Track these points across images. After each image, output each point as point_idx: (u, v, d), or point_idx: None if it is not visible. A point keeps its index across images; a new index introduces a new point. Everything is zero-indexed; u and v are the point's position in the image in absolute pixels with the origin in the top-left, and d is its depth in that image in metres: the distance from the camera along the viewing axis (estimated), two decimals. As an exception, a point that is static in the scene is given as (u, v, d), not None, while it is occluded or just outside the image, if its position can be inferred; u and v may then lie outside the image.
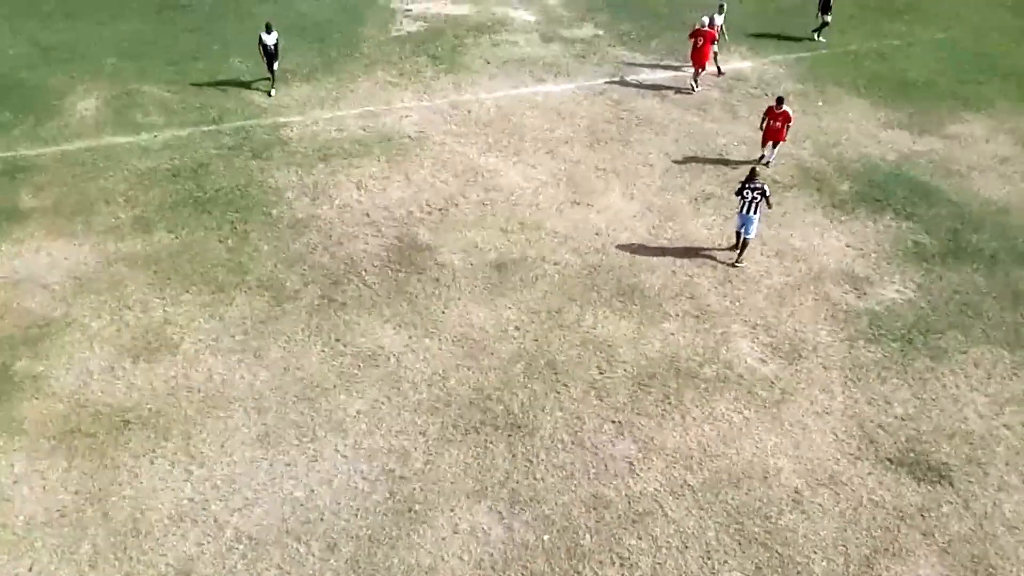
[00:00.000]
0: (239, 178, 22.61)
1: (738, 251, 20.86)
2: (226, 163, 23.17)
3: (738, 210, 20.51)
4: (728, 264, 20.71)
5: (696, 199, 22.98)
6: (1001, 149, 25.85)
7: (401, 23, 31.26)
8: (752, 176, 20.36)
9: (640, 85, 28.20)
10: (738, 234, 20.83)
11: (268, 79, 26.43)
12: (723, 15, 28.43)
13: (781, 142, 24.17)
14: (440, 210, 21.98)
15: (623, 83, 28.28)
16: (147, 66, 27.52)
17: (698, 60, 27.76)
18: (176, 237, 20.58)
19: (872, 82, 29.13)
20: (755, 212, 20.23)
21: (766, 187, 20.33)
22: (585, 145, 24.93)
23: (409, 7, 32.17)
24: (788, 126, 23.84)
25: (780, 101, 23.78)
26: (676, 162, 24.43)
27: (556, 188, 23.04)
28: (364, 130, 24.95)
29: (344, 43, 29.58)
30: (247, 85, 26.76)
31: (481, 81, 27.82)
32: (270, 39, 25.59)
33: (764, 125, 24.11)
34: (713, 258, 20.94)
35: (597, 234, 21.46)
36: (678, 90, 27.92)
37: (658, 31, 31.66)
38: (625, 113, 26.58)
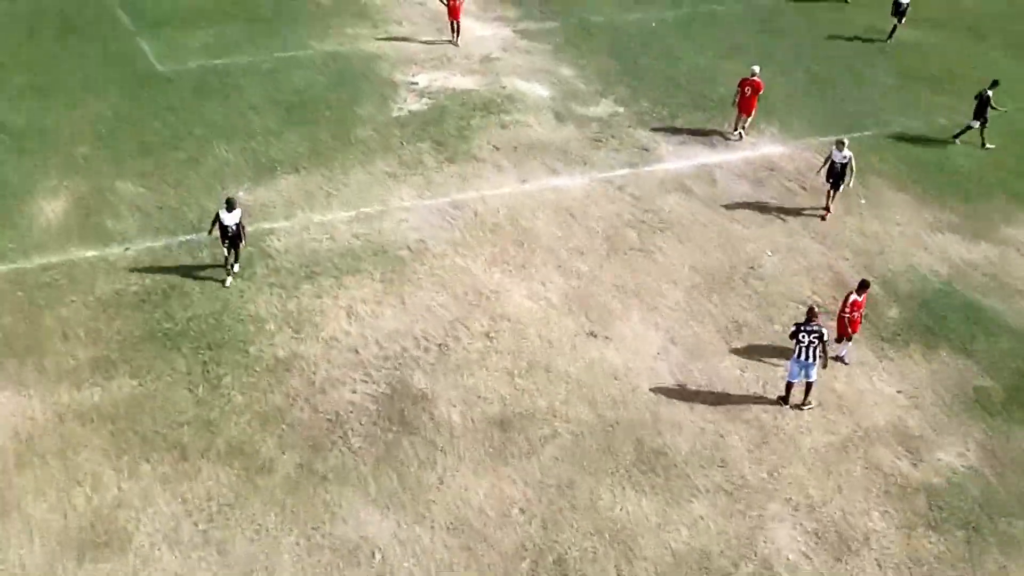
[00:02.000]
0: (214, 304, 20.21)
1: (786, 395, 18.64)
2: (201, 283, 20.78)
3: (794, 355, 18.03)
4: (774, 402, 18.19)
5: (727, 329, 20.48)
6: (1065, 260, 23.29)
7: (404, 100, 28.82)
8: (810, 316, 18.00)
9: (662, 177, 25.72)
10: (789, 385, 18.40)
11: (225, 266, 20.65)
12: (845, 151, 23.78)
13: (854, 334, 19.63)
14: (439, 345, 19.53)
15: (643, 174, 25.80)
16: (123, 155, 25.16)
17: (744, 108, 26.93)
18: (140, 384, 18.19)
19: (917, 172, 26.61)
20: (813, 358, 17.79)
21: (824, 331, 17.88)
22: (601, 255, 22.47)
23: (414, 81, 29.70)
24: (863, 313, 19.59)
25: (864, 286, 19.14)
26: (703, 277, 21.96)
27: (568, 314, 20.57)
28: (357, 238, 22.54)
29: (339, 125, 27.16)
30: (230, 178, 24.39)
31: (488, 173, 25.36)
32: (231, 218, 19.97)
33: (846, 317, 19.13)
34: (747, 409, 18.45)
35: (615, 378, 18.98)
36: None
37: (680, 108, 29.16)
38: (646, 214, 24.10)
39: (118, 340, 19.19)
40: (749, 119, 27.41)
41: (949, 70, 32.32)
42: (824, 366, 18.22)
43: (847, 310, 19.21)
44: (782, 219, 24.22)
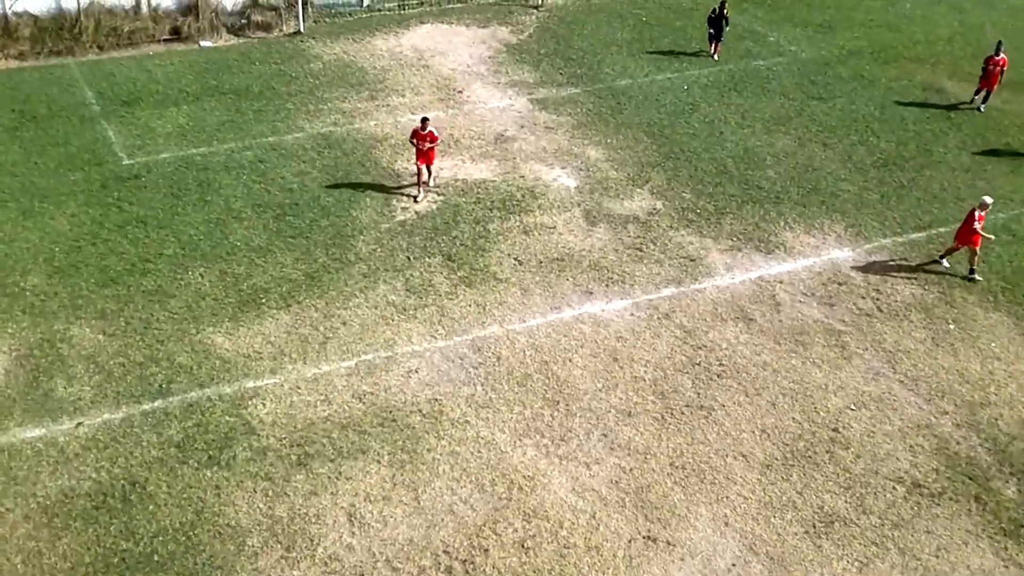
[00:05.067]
0: (186, 510, 16.40)
1: None
2: (170, 477, 16.96)
3: None
4: None
5: (813, 525, 16.69)
6: None
7: (407, 196, 24.91)
8: None
9: (715, 299, 21.91)
10: None
11: None
12: None
13: None
14: (464, 563, 15.75)
15: (693, 295, 21.99)
16: (80, 287, 21.32)
17: (963, 239, 22.53)
18: (88, 644, 14.35)
19: (1009, 282, 22.80)
20: None
21: None
22: (654, 418, 18.66)
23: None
24: None
25: None
26: (778, 448, 18.17)
27: (621, 511, 16.76)
28: (359, 400, 18.72)
29: (335, 237, 23.29)
30: (207, 317, 20.58)
31: (512, 299, 21.53)
32: None
33: None
34: (853, 654, 14.63)
35: (685, 611, 15.16)
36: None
37: (727, 201, 25.33)
38: (701, 354, 20.28)
39: (64, 570, 15.35)
40: (958, 250, 23.03)
41: (1029, 145, 28.52)
42: None
43: None
44: (862, 355, 20.41)
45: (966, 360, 20.46)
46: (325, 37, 33.78)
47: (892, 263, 23.34)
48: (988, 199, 22.60)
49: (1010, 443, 18.47)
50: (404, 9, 35.89)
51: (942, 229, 24.58)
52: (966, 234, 22.42)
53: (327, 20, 34.84)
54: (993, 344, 20.93)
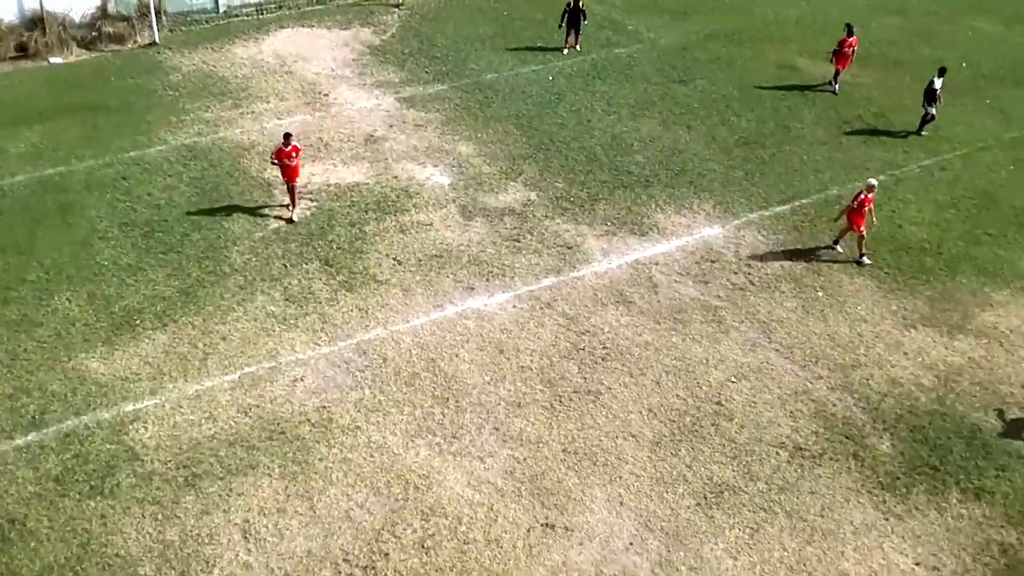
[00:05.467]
0: (70, 544, 15.81)
1: None
2: (51, 512, 16.32)
3: None
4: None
5: (705, 497, 17.16)
6: (1054, 351, 20.77)
7: (280, 205, 24.50)
8: None
9: (594, 285, 22.25)
10: None
11: None
12: None
13: None
14: (365, 569, 15.67)
15: (572, 282, 22.28)
16: (-63, 322, 20.25)
17: (856, 222, 22.73)
18: None
19: (871, 247, 23.72)
20: None
21: None
22: (544, 407, 18.86)
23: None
24: None
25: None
26: (665, 425, 18.61)
27: (517, 500, 16.90)
28: (245, 414, 18.35)
29: (208, 250, 22.73)
30: (79, 343, 19.82)
31: (394, 300, 21.42)
32: None
33: None
34: (751, 617, 15.12)
35: (588, 593, 15.39)
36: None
37: (599, 187, 25.74)
38: (585, 339, 20.59)
39: (-58, 619, 14.62)
40: (862, 237, 23.12)
41: (880, 114, 29.80)
42: None
43: None
44: (738, 328, 21.07)
45: (836, 325, 21.30)
46: (182, 47, 32.88)
47: (761, 237, 24.11)
48: (874, 181, 23.13)
49: (882, 400, 19.33)
50: (262, 14, 35.21)
51: (804, 201, 25.53)
52: (855, 216, 22.75)
53: (183, 28, 33.90)
54: (859, 307, 21.85)
